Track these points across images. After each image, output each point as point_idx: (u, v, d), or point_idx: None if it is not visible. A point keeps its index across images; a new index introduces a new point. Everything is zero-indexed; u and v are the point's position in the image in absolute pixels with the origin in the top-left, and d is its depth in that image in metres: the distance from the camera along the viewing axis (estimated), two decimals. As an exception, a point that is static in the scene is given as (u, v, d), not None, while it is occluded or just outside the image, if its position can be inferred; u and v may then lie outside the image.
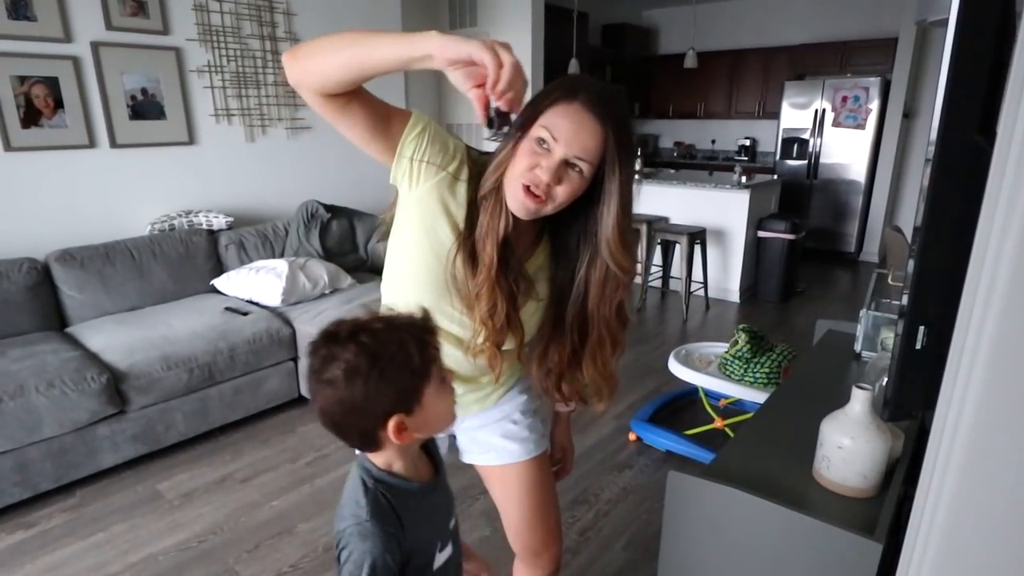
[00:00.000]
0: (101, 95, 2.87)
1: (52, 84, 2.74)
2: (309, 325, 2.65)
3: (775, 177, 5.09)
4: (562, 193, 0.90)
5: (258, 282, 2.77)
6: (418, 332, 0.77)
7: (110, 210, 2.94)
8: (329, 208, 3.33)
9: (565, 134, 0.87)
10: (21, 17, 2.64)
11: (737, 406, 2.70)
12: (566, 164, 0.88)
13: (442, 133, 0.95)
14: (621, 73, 7.01)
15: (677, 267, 4.64)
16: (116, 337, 2.42)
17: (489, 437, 1.19)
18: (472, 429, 1.20)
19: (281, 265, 2.78)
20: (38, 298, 2.55)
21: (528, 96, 0.87)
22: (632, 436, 2.56)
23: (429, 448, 0.94)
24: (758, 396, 2.23)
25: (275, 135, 3.50)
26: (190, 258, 2.93)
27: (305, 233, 3.19)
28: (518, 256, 1.01)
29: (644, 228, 4.46)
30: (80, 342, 2.44)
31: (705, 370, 2.45)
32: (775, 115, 6.12)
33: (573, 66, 5.25)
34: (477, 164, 0.97)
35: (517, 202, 0.91)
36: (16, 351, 2.27)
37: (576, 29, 5.47)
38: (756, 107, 6.62)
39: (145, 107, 3.02)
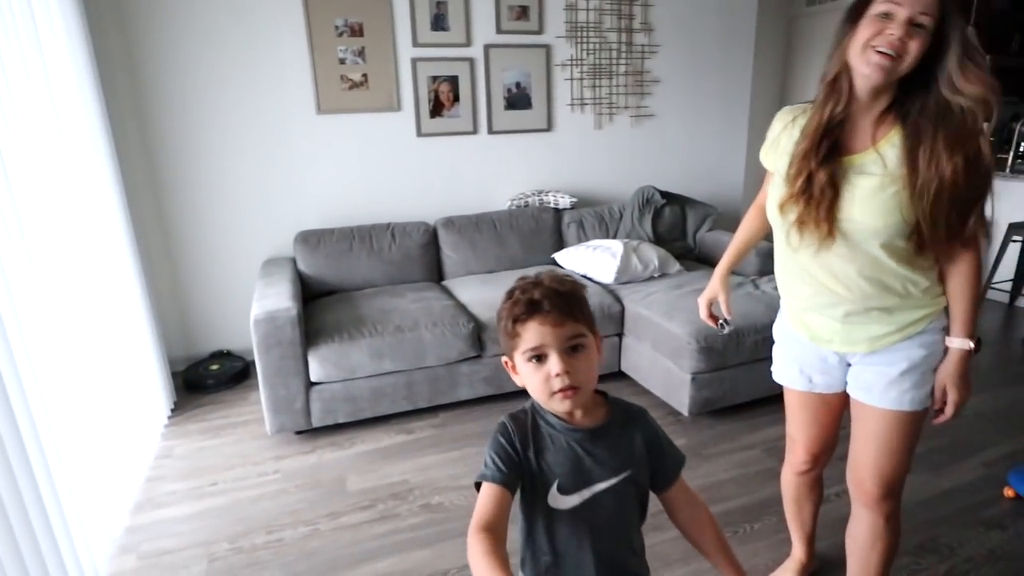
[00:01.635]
0: (486, 89, 3.39)
1: (453, 82, 3.34)
2: (638, 304, 2.76)
3: None
4: (915, 48, 1.01)
5: (594, 259, 2.98)
6: (526, 299, 0.89)
7: (481, 186, 3.49)
8: (664, 194, 3.39)
9: None
10: (439, 28, 3.27)
11: None
12: (911, 24, 1.00)
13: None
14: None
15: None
16: (479, 293, 2.88)
17: (871, 376, 1.26)
18: (861, 364, 1.29)
19: (616, 246, 2.94)
20: (427, 255, 3.18)
21: None
22: (1009, 492, 2.05)
23: (614, 404, 1.00)
24: None
25: (620, 122, 3.70)
26: (539, 232, 3.31)
27: (639, 217, 3.31)
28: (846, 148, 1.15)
29: (1051, 241, 3.48)
30: (453, 294, 2.97)
31: None
32: None
33: (971, 34, 4.31)
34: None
35: (871, 66, 1.04)
36: (412, 294, 2.87)
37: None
38: None
39: (517, 99, 3.48)
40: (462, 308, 2.75)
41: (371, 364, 2.49)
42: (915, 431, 1.27)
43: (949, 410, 1.22)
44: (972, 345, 1.18)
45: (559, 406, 0.91)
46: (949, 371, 1.20)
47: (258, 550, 1.93)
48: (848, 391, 1.34)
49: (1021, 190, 3.97)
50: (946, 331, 1.21)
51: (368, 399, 2.55)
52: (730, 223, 3.87)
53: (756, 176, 5.69)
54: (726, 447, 2.41)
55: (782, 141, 1.25)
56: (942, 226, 1.07)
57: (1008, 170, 4.07)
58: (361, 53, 3.14)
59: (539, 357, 0.89)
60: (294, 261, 3.03)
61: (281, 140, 3.10)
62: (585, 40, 3.51)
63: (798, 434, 1.52)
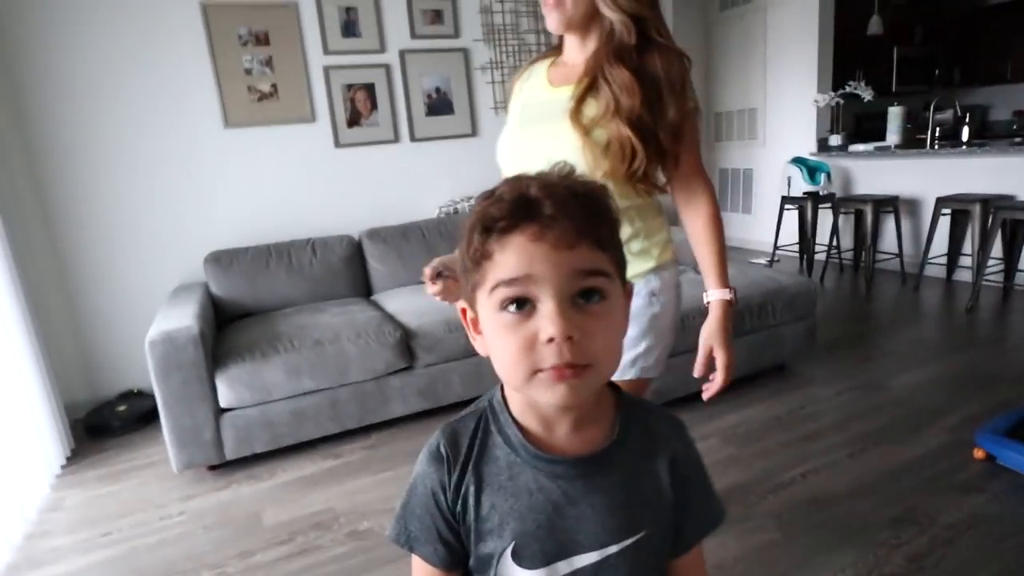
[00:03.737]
0: (405, 96, 3.27)
1: (370, 89, 3.21)
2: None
3: None
4: None
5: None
6: (515, 195, 0.54)
7: (407, 195, 3.33)
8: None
9: None
10: (351, 35, 3.14)
11: None
12: None
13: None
14: (936, 34, 5.78)
15: (1028, 260, 3.57)
16: (409, 303, 2.68)
17: None
18: None
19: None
20: (351, 268, 2.97)
21: None
22: (979, 453, 1.95)
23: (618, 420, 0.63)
24: None
25: (546, 122, 3.62)
26: (469, 236, 3.15)
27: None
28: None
29: (977, 209, 3.54)
30: (381, 306, 2.76)
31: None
32: None
33: (875, 24, 4.48)
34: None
35: (547, 19, 1.07)
36: (334, 308, 2.65)
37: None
38: None
39: (438, 104, 3.36)
40: (389, 317, 2.55)
41: (288, 383, 2.26)
42: None
43: (720, 375, 1.08)
44: (731, 295, 1.10)
45: (546, 396, 0.53)
46: (713, 328, 1.09)
47: (152, 603, 1.65)
48: None
49: (943, 167, 4.05)
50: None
51: (288, 424, 2.30)
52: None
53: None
54: (680, 438, 2.25)
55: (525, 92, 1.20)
56: (639, 146, 1.00)
57: (928, 146, 4.16)
58: (269, 63, 2.98)
59: (521, 302, 0.52)
60: (207, 285, 2.78)
61: (187, 157, 2.89)
62: (503, 43, 3.44)
63: None
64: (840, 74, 4.77)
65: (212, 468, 2.28)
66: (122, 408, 2.71)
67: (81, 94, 2.67)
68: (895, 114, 4.45)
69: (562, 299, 0.51)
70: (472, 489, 0.60)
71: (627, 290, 0.59)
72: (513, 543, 0.59)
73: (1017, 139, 4.33)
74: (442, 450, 0.61)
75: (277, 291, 2.81)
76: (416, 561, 0.63)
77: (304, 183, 3.11)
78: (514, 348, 0.52)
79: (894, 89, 5.48)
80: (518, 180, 0.55)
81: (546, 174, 0.56)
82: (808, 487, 1.89)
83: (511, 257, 0.52)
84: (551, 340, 0.51)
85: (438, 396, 2.52)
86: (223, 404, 2.20)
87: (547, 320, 0.51)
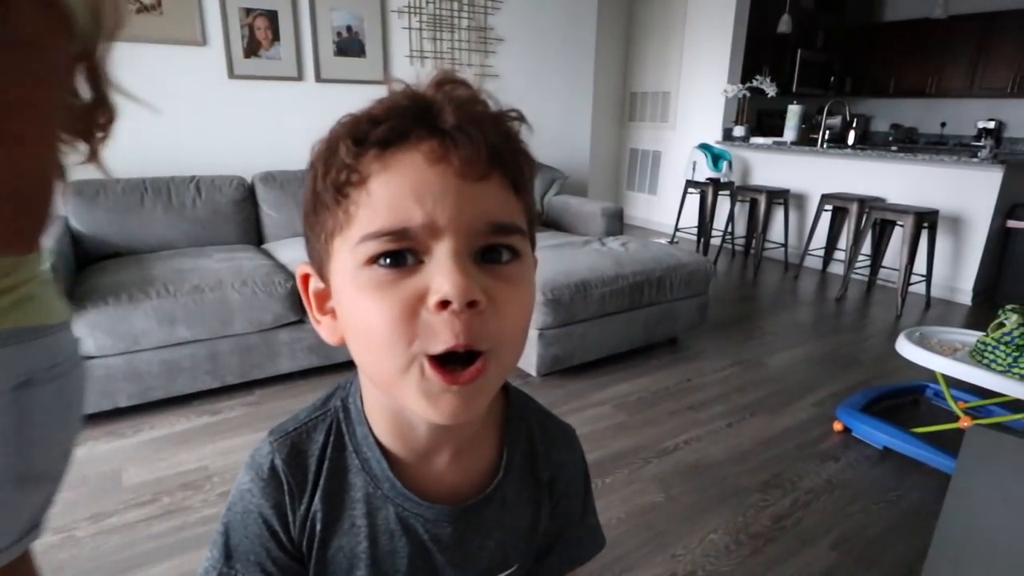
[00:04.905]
0: (312, 31, 3.02)
1: (272, 17, 2.93)
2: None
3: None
4: None
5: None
6: (408, 103, 0.41)
7: (309, 139, 3.08)
8: (509, 153, 3.24)
9: None
10: (253, -46, 2.84)
11: (983, 412, 2.13)
12: None
13: None
14: (836, 42, 6.18)
15: (891, 257, 3.93)
16: (304, 253, 2.51)
17: None
18: None
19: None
20: (242, 213, 2.74)
21: None
22: (838, 426, 2.12)
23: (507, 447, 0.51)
24: (1032, 394, 1.70)
25: (463, 79, 3.49)
26: (374, 189, 3.00)
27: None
28: None
29: (854, 207, 3.83)
30: (272, 255, 2.57)
31: (951, 356, 1.94)
32: (1037, 90, 4.99)
33: (784, 23, 4.69)
34: None
35: None
36: (219, 254, 2.43)
37: (788, -13, 4.88)
38: (1010, 83, 5.45)
39: (349, 44, 3.14)
40: (280, 268, 2.37)
41: (160, 332, 2.04)
42: None
43: None
44: None
45: (424, 407, 0.38)
46: None
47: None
48: None
49: (829, 166, 4.35)
50: None
51: (159, 376, 2.09)
52: (577, 188, 3.83)
53: (601, 143, 5.79)
54: (576, 405, 2.28)
55: None
56: None
57: (819, 146, 4.45)
58: (151, -28, 2.63)
59: (399, 256, 0.37)
60: (66, 219, 2.45)
61: (46, 70, 2.50)
62: (424, -13, 3.26)
63: None
64: (749, 68, 4.97)
65: (64, 422, 2.03)
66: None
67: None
68: (794, 112, 4.71)
69: (463, 250, 0.37)
70: (318, 527, 0.46)
71: (535, 259, 0.45)
72: None
73: (893, 148, 4.74)
74: (281, 473, 0.46)
75: (152, 231, 2.54)
76: None
77: (190, 114, 2.81)
78: (388, 317, 0.36)
79: (795, 89, 5.81)
80: (404, 85, 0.41)
81: (449, 79, 0.42)
82: (691, 453, 1.98)
83: (395, 185, 0.36)
84: (445, 305, 0.35)
85: (330, 353, 2.39)
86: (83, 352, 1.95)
87: (442, 275, 0.36)
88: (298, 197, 2.82)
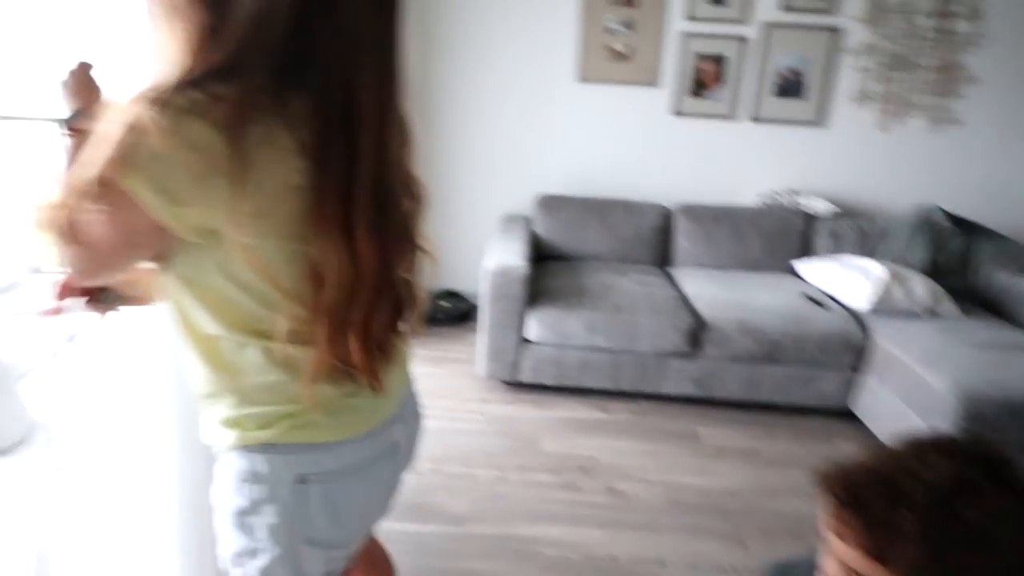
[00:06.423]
0: (759, 72, 3.12)
1: (719, 61, 3.14)
2: (892, 342, 2.39)
3: None
4: None
5: (845, 279, 2.64)
6: None
7: (729, 177, 3.27)
8: (952, 219, 2.85)
9: None
10: (717, 2, 3.07)
11: None
12: None
13: None
14: None
15: None
16: (706, 289, 2.74)
17: None
18: None
19: (877, 269, 2.56)
20: (658, 238, 3.10)
21: None
22: None
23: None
24: None
25: (913, 125, 3.15)
26: (784, 236, 3.02)
27: (913, 240, 2.83)
28: None
29: None
30: (677, 283, 2.86)
31: None
32: None
33: None
34: None
35: None
36: (635, 275, 2.83)
37: None
38: None
39: (789, 85, 3.16)
40: (684, 301, 2.64)
41: (584, 335, 2.53)
42: None
43: None
44: None
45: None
46: None
47: (453, 478, 2.11)
48: None
49: None
50: None
51: (575, 368, 2.60)
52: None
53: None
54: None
55: None
56: None
57: None
58: (630, 24, 3.09)
59: None
60: (527, 221, 3.16)
61: (538, 102, 3.22)
62: (886, 24, 3.03)
63: None
64: None
65: (505, 383, 2.72)
66: (446, 304, 3.32)
67: (471, 38, 3.15)
68: None
69: None
70: None
71: None
72: None
73: None
74: None
75: (588, 244, 3.08)
76: None
77: (635, 146, 3.25)
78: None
79: None
80: None
81: None
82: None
83: None
84: None
85: (710, 388, 2.59)
86: (529, 337, 2.57)
87: None
88: (710, 232, 3.05)
